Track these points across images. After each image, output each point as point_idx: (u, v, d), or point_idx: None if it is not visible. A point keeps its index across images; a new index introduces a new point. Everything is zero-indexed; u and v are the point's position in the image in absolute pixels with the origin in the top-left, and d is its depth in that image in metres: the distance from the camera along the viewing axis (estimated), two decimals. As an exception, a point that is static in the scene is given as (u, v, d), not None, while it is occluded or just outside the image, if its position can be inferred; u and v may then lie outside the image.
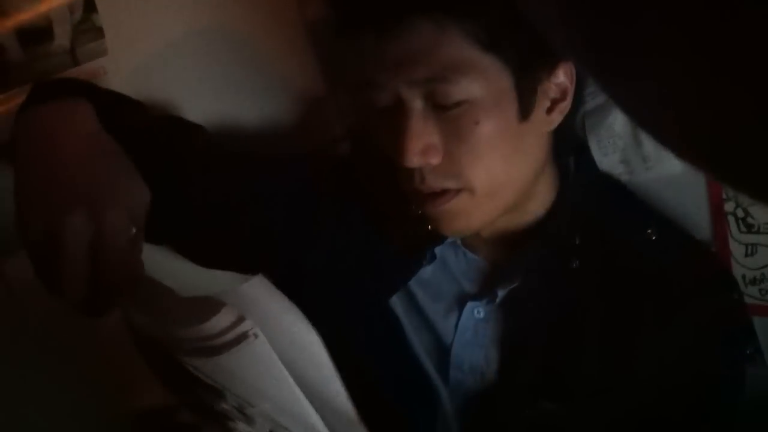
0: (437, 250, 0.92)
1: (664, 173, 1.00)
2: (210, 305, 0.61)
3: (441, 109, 0.77)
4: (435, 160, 0.78)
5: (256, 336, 0.61)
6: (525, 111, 0.79)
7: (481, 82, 0.76)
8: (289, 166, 0.98)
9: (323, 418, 0.65)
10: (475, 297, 0.91)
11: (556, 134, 0.86)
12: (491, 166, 0.79)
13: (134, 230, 0.66)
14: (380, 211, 0.94)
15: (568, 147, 0.91)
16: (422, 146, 0.77)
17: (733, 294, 0.93)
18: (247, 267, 0.93)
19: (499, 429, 0.87)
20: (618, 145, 1.02)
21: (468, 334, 0.91)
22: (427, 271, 0.93)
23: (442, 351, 0.92)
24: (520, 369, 0.88)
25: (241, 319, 0.61)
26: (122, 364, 0.81)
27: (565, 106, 0.83)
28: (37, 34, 0.84)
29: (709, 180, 0.98)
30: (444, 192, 0.80)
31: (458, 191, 0.80)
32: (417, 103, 0.77)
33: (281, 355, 0.62)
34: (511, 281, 0.88)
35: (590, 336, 0.86)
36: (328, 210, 0.95)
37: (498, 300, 0.89)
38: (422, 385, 0.90)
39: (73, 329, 0.83)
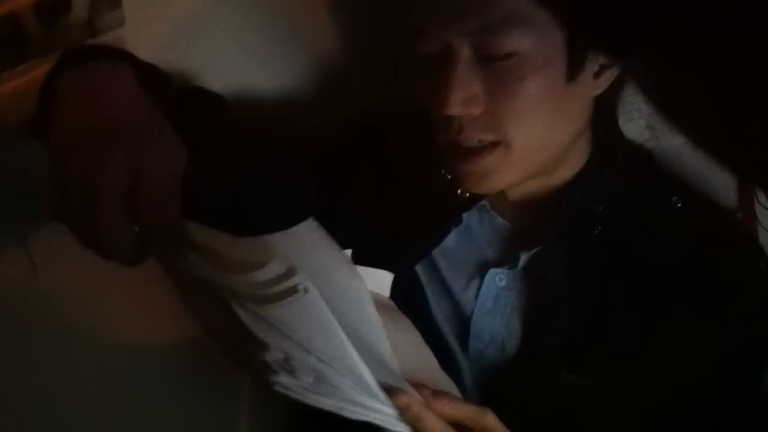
0: (464, 215, 0.91)
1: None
2: (260, 253, 0.61)
3: (489, 60, 0.76)
4: (476, 110, 0.78)
5: (306, 290, 0.60)
6: (573, 72, 0.79)
7: (533, 37, 0.75)
8: (314, 135, 0.98)
9: (373, 370, 0.65)
10: (497, 264, 0.91)
11: (597, 101, 0.85)
12: (531, 124, 0.79)
13: (173, 180, 0.65)
14: (407, 176, 0.94)
15: (606, 115, 0.89)
16: (466, 95, 0.77)
17: (759, 262, 0.92)
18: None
19: (520, 401, 0.87)
20: (643, 110, 1.00)
21: (489, 303, 0.90)
22: (450, 239, 0.93)
23: (462, 321, 0.92)
24: (542, 339, 0.87)
25: (291, 272, 0.61)
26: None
27: (614, 72, 0.83)
28: (54, 5, 0.84)
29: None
30: (480, 148, 0.80)
31: (495, 146, 0.80)
32: (465, 52, 0.77)
33: (331, 303, 0.62)
34: (533, 245, 0.88)
35: (614, 306, 0.85)
36: (354, 177, 0.95)
37: (520, 265, 0.88)
38: (442, 355, 0.90)
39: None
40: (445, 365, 0.87)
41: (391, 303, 0.74)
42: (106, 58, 0.74)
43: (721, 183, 0.99)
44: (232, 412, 0.94)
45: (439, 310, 0.93)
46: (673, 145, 1.00)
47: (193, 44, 0.95)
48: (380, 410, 0.66)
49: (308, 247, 0.63)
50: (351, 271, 0.66)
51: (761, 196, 0.98)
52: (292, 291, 0.60)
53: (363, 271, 0.71)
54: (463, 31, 0.76)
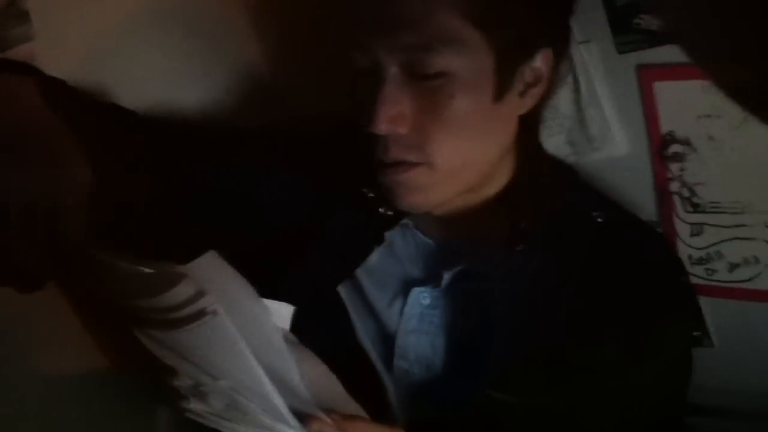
0: (387, 234, 0.90)
1: (609, 154, 1.00)
2: (169, 277, 0.59)
3: (418, 79, 0.76)
4: (402, 129, 0.77)
5: (215, 313, 0.59)
6: (500, 92, 0.78)
7: (463, 57, 0.75)
8: (235, 146, 0.96)
9: (283, 396, 0.64)
10: (421, 282, 0.90)
11: (522, 118, 0.85)
12: (457, 143, 0.78)
13: (75, 199, 0.63)
14: (328, 194, 0.92)
15: (529, 132, 0.90)
16: (392, 114, 0.76)
17: (679, 275, 0.93)
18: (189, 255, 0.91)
19: (445, 421, 0.86)
20: (563, 125, 1.01)
21: (413, 322, 0.89)
22: (373, 258, 0.91)
23: (387, 340, 0.91)
24: (467, 357, 0.87)
25: (200, 294, 0.59)
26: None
27: (538, 91, 0.83)
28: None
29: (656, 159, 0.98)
30: (403, 164, 0.79)
31: (418, 165, 0.79)
32: (393, 70, 0.76)
33: (240, 331, 0.61)
34: (457, 263, 0.87)
35: (538, 322, 0.85)
36: (278, 192, 0.93)
37: (444, 283, 0.88)
38: (367, 375, 0.89)
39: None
40: (370, 384, 0.87)
41: (292, 336, 0.73)
42: (7, 71, 0.72)
43: (641, 196, 1.00)
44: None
45: (363, 330, 0.92)
46: (592, 160, 1.01)
47: (107, 60, 0.92)
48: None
49: (214, 275, 0.62)
50: (256, 301, 0.64)
51: (680, 211, 0.99)
52: (202, 314, 0.59)
53: (264, 303, 0.70)
54: (394, 47, 0.75)
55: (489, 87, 0.78)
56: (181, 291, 0.59)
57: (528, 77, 0.81)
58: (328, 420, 0.66)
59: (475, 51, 0.76)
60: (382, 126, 0.76)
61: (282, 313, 0.72)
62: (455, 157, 0.79)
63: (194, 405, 0.64)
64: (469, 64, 0.76)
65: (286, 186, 0.93)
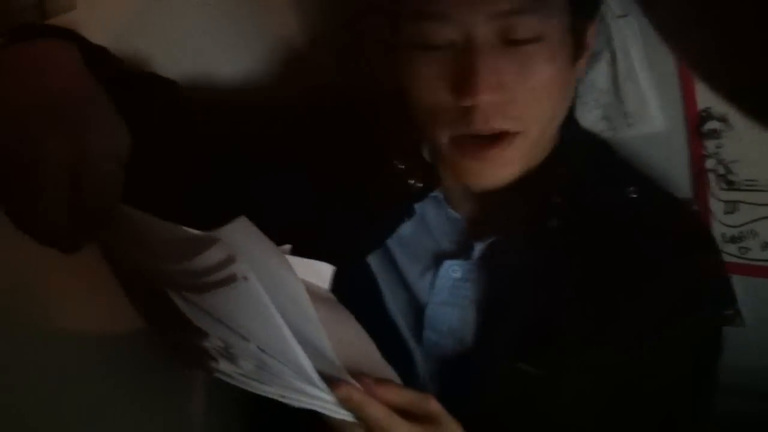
0: (417, 206, 0.91)
1: (645, 130, 1.00)
2: (201, 241, 0.60)
3: (512, 44, 0.76)
4: (502, 98, 0.76)
5: (246, 278, 0.59)
6: (577, 54, 0.80)
7: (552, 19, 0.76)
8: (268, 117, 0.97)
9: (312, 361, 0.64)
10: (452, 255, 0.91)
11: None
12: (547, 109, 0.79)
13: (113, 164, 0.64)
14: (361, 166, 0.92)
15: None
16: (491, 83, 0.75)
17: (712, 253, 0.93)
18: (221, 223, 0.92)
19: (475, 392, 0.87)
20: (600, 101, 1.01)
21: (444, 294, 0.90)
22: (405, 229, 0.92)
23: (417, 312, 0.91)
24: (497, 330, 0.87)
25: (231, 260, 0.59)
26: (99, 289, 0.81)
27: (588, 54, 0.84)
28: (4, -14, 0.83)
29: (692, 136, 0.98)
30: (501, 136, 0.79)
31: (515, 134, 0.79)
32: (489, 38, 0.76)
33: (270, 297, 0.61)
34: (488, 236, 0.88)
35: (570, 297, 0.85)
36: (310, 163, 0.94)
37: (475, 256, 0.88)
38: (395, 345, 0.90)
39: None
40: (398, 356, 0.87)
41: (331, 296, 0.73)
42: (51, 36, 0.73)
43: (676, 173, 1.00)
44: (186, 400, 0.94)
45: (393, 301, 0.92)
46: (628, 136, 1.01)
47: (148, 29, 0.93)
48: (322, 398, 0.66)
49: (246, 240, 0.62)
50: (286, 266, 0.65)
51: (715, 188, 0.98)
52: (232, 279, 0.59)
53: (304, 263, 0.70)
54: (489, 14, 0.74)
55: (569, 50, 0.79)
56: (213, 255, 0.59)
57: (586, 42, 0.83)
58: (357, 385, 0.67)
59: (559, 13, 0.77)
60: (485, 96, 0.75)
61: (322, 272, 0.72)
62: (542, 123, 0.80)
63: (223, 366, 0.65)
64: (556, 26, 0.76)
65: (316, 156, 0.94)
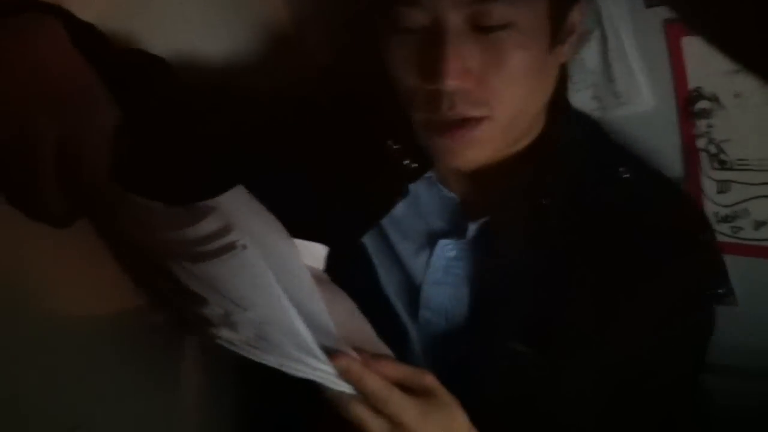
0: (411, 186, 0.90)
1: (636, 110, 1.00)
2: (198, 210, 0.60)
3: (482, 31, 0.75)
4: (470, 83, 0.76)
5: (244, 247, 0.60)
6: (554, 40, 0.78)
7: (524, 5, 0.75)
8: (260, 99, 0.97)
9: (312, 332, 0.65)
10: (446, 234, 0.90)
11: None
12: (518, 95, 0.78)
13: (102, 140, 0.63)
14: (354, 146, 0.92)
15: (559, 86, 0.89)
16: (460, 68, 0.75)
17: (705, 233, 0.93)
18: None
19: (468, 371, 0.86)
20: (590, 80, 1.01)
21: (439, 274, 0.90)
22: (399, 209, 0.91)
23: (412, 291, 0.91)
24: (490, 309, 0.87)
25: (228, 229, 0.60)
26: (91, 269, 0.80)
27: (575, 39, 0.83)
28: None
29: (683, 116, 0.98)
30: (467, 120, 0.78)
31: (481, 119, 0.78)
32: (457, 23, 0.75)
33: (268, 266, 0.61)
34: (482, 216, 0.87)
35: (561, 275, 0.85)
36: (304, 144, 0.93)
37: (469, 235, 0.88)
38: (391, 324, 0.90)
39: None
40: (394, 334, 0.87)
41: (325, 276, 0.73)
42: (36, 11, 0.72)
43: (667, 152, 1.00)
44: (176, 379, 0.93)
45: (388, 280, 0.92)
46: (619, 115, 1.01)
47: (134, 6, 0.92)
48: (321, 369, 0.66)
49: (243, 210, 0.62)
50: (285, 238, 0.64)
51: (707, 167, 0.99)
52: (230, 247, 0.59)
53: (297, 243, 0.70)
54: (460, 0, 0.74)
55: (546, 36, 0.78)
56: (210, 224, 0.59)
57: (569, 26, 0.81)
58: (356, 356, 0.67)
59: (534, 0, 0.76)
60: (452, 82, 0.75)
61: (315, 252, 0.72)
62: (513, 109, 0.79)
63: (224, 332, 0.64)
64: (529, 13, 0.75)
65: (310, 138, 0.93)
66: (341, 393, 0.68)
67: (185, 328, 0.74)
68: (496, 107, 0.78)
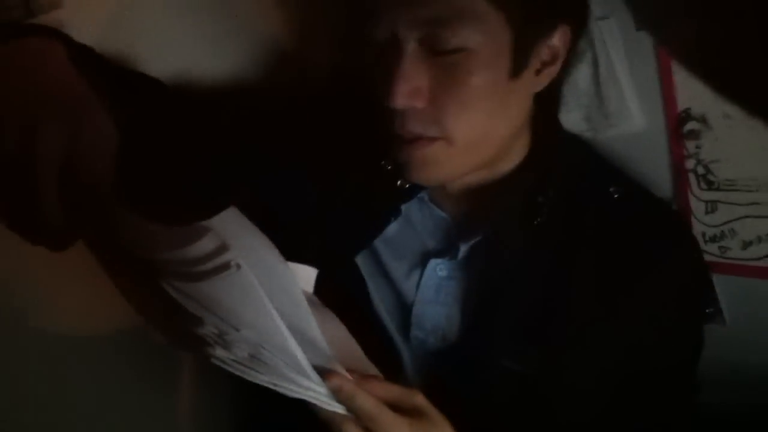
0: (403, 206, 0.91)
1: (626, 131, 1.01)
2: (193, 230, 0.61)
3: (436, 54, 0.76)
4: (420, 104, 0.77)
5: (239, 266, 0.60)
6: (517, 69, 0.79)
7: (482, 33, 0.76)
8: (256, 118, 0.97)
9: (305, 352, 0.65)
10: (437, 254, 0.91)
11: (538, 95, 0.86)
12: (474, 119, 0.79)
13: (103, 159, 0.64)
14: (348, 165, 0.93)
15: (546, 108, 0.91)
16: (411, 87, 0.77)
17: (693, 252, 0.94)
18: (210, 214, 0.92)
19: (461, 389, 0.87)
20: (581, 101, 1.02)
21: (430, 293, 0.91)
22: (391, 229, 0.92)
23: (404, 310, 0.92)
24: (481, 328, 0.88)
25: (224, 248, 0.60)
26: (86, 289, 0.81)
27: (554, 70, 0.83)
28: (-11, -16, 0.82)
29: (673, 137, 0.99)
30: (419, 139, 0.80)
31: (435, 139, 0.79)
32: (411, 44, 0.76)
33: (262, 286, 0.62)
34: (473, 236, 0.88)
35: (553, 295, 0.86)
36: (297, 163, 0.94)
37: (460, 255, 0.89)
38: (383, 344, 0.90)
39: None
40: (386, 353, 0.88)
41: (315, 298, 0.74)
42: (36, 35, 0.73)
43: (656, 173, 1.01)
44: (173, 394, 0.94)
45: (380, 300, 0.93)
46: (609, 136, 1.02)
47: (135, 27, 0.93)
48: (314, 389, 0.67)
49: (237, 230, 0.63)
50: (279, 257, 0.65)
51: (695, 188, 1.00)
52: (225, 267, 0.60)
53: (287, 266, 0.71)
54: (413, 21, 0.75)
55: (506, 64, 0.78)
56: (205, 244, 0.60)
57: (545, 55, 0.82)
58: (348, 375, 0.68)
59: (494, 28, 0.76)
60: (400, 100, 0.77)
61: (306, 275, 0.73)
62: (471, 132, 0.80)
63: (219, 352, 0.65)
64: (487, 40, 0.76)
65: (302, 157, 0.94)
66: (334, 413, 0.69)
67: (181, 346, 0.75)
68: (451, 129, 0.79)
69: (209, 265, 0.60)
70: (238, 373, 0.66)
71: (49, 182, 0.61)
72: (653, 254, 0.87)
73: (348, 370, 0.69)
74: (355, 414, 0.69)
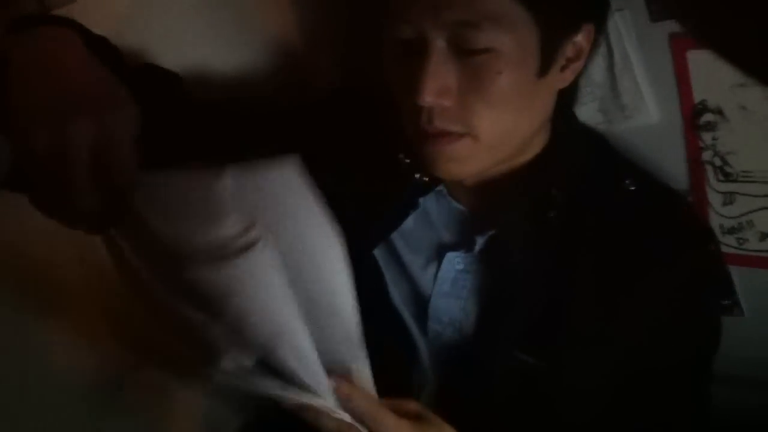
0: (421, 199, 0.91)
1: (641, 123, 1.01)
2: (217, 210, 0.61)
3: (465, 53, 0.76)
4: (448, 102, 0.77)
5: (265, 245, 0.60)
6: (544, 68, 0.79)
7: (510, 33, 0.75)
8: (274, 112, 0.98)
9: (323, 331, 0.66)
10: (454, 247, 0.91)
11: (561, 92, 0.86)
12: (501, 117, 0.79)
13: (128, 140, 0.64)
14: (366, 159, 0.93)
15: (564, 103, 0.90)
16: (439, 86, 0.77)
17: (709, 245, 0.93)
18: None
19: (476, 381, 0.87)
20: (596, 94, 1.02)
21: (446, 286, 0.90)
22: (408, 222, 0.93)
23: (421, 303, 0.92)
24: (497, 321, 0.88)
25: (250, 226, 0.61)
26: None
27: (579, 66, 0.83)
28: (3, -21, 0.82)
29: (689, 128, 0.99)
30: (445, 134, 0.80)
31: (462, 135, 0.79)
32: (440, 43, 0.76)
33: (290, 257, 0.62)
34: (490, 229, 0.88)
35: (569, 287, 0.86)
36: (317, 157, 0.94)
37: (477, 248, 0.89)
38: (400, 336, 0.90)
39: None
40: (403, 346, 0.87)
41: None
42: (51, 24, 0.73)
43: (673, 165, 1.00)
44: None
45: (397, 292, 0.93)
46: (625, 128, 1.01)
47: (148, 23, 0.93)
48: (318, 389, 0.67)
49: (279, 202, 0.62)
50: (328, 230, 0.65)
51: (712, 180, 0.99)
52: (252, 244, 0.60)
53: None
54: (442, 23, 0.75)
55: (533, 63, 0.78)
56: (231, 223, 0.60)
57: (570, 53, 0.82)
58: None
59: (521, 28, 0.76)
60: (429, 98, 0.76)
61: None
62: (498, 130, 0.80)
63: (225, 364, 0.65)
64: (515, 40, 0.76)
65: (324, 151, 0.94)
66: (340, 422, 0.69)
67: (191, 362, 0.75)
68: (477, 126, 0.79)
69: (236, 245, 0.60)
70: (241, 383, 0.66)
71: (83, 168, 0.61)
72: (668, 246, 0.87)
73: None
74: (355, 415, 0.69)
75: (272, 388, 0.66)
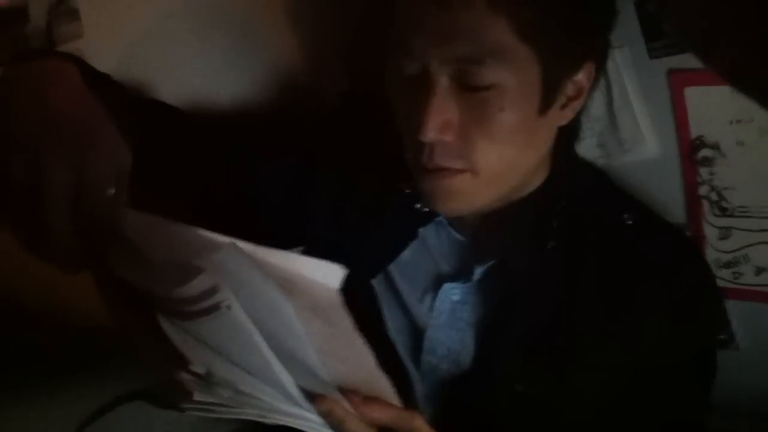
0: (420, 230, 0.92)
1: (639, 157, 1.01)
2: (186, 270, 0.60)
3: (468, 89, 0.77)
4: (449, 137, 0.78)
5: (229, 308, 0.60)
6: (545, 105, 0.80)
7: (513, 70, 0.76)
8: (275, 143, 0.98)
9: (301, 382, 0.66)
10: (452, 278, 0.92)
11: (561, 128, 0.87)
12: (502, 153, 0.80)
13: (116, 186, 0.64)
14: (366, 189, 0.94)
15: (565, 138, 0.91)
16: (440, 122, 0.77)
17: (707, 278, 0.94)
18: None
19: (471, 415, 0.88)
20: (595, 128, 1.02)
21: (443, 317, 0.91)
22: (406, 252, 0.93)
23: (416, 334, 0.92)
24: (495, 353, 0.88)
25: (214, 289, 0.60)
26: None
27: (579, 104, 0.84)
28: (12, 15, 0.83)
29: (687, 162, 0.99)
30: (445, 170, 0.80)
31: (461, 171, 0.80)
32: (443, 80, 0.77)
33: (257, 319, 0.62)
34: (488, 259, 0.89)
35: (567, 320, 0.87)
36: (315, 186, 0.95)
37: (475, 278, 0.89)
38: (393, 368, 0.90)
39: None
40: (396, 378, 0.88)
41: (336, 299, 0.74)
42: (51, 58, 0.73)
43: (670, 200, 1.01)
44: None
45: (392, 323, 0.93)
46: (623, 162, 1.02)
47: (154, 55, 0.94)
48: (304, 417, 0.68)
49: (233, 262, 0.63)
50: (273, 287, 0.66)
51: (709, 214, 1.00)
52: (215, 308, 0.60)
53: (314, 263, 0.70)
54: (446, 58, 0.76)
55: (535, 100, 0.79)
56: (197, 285, 0.60)
57: (571, 91, 0.83)
58: (344, 401, 0.68)
59: (525, 65, 0.77)
60: (431, 134, 0.77)
61: (332, 273, 0.72)
62: (498, 165, 0.80)
63: (198, 397, 0.66)
64: (518, 77, 0.77)
65: (320, 182, 0.95)
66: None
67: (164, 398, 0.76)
68: (478, 162, 0.79)
69: (200, 305, 0.61)
70: (216, 415, 0.67)
71: (62, 205, 0.61)
72: (666, 280, 0.87)
73: (356, 384, 0.70)
74: None
75: (253, 415, 0.68)
